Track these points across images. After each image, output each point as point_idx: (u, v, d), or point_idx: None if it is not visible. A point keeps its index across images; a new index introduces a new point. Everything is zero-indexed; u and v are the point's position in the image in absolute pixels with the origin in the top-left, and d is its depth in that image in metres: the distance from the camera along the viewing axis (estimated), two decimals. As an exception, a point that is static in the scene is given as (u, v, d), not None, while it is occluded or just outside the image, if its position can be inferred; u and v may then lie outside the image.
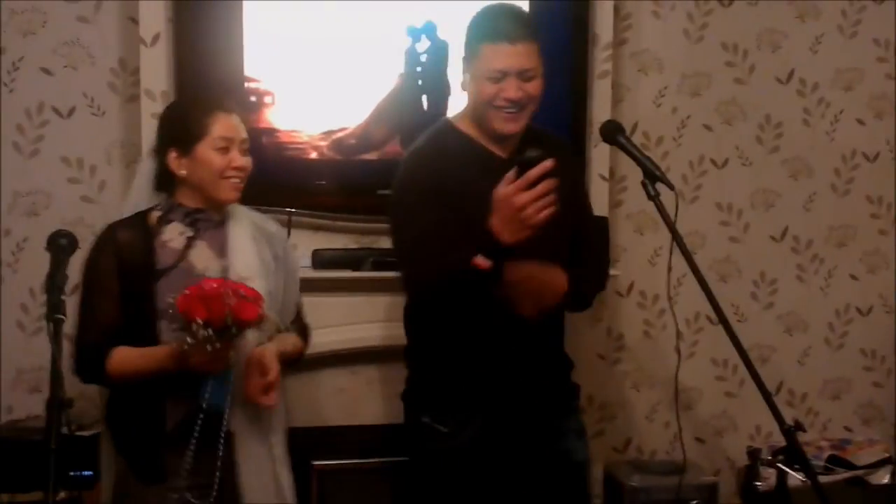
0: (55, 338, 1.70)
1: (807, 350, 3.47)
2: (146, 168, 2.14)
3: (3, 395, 2.88)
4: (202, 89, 2.73)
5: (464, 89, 2.19)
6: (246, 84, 2.79)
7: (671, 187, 2.05)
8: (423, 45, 2.86)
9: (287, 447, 2.17)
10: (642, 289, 3.29)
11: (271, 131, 2.83)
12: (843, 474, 3.13)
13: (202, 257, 2.08)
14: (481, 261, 1.97)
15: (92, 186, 2.90)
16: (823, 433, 3.44)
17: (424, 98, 2.90)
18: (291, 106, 2.83)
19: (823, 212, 3.43)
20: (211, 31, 2.75)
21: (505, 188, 1.94)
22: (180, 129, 2.08)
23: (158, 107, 2.58)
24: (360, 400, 2.91)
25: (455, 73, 2.87)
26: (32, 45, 2.83)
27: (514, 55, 2.08)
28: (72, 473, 2.55)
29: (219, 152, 2.06)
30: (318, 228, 2.96)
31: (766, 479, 2.84)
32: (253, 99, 2.80)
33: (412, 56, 2.87)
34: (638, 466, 3.13)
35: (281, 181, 2.84)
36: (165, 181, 2.12)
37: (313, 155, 2.87)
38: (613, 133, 2.14)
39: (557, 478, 2.25)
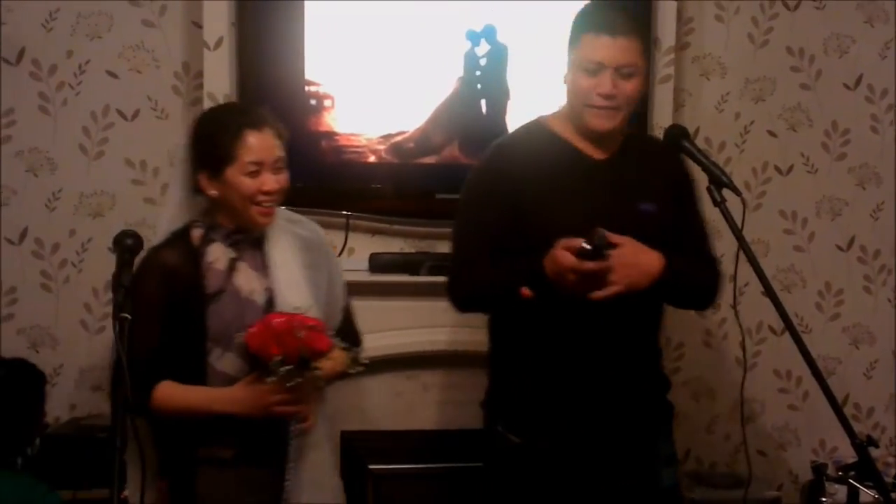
0: (120, 336, 1.71)
1: (873, 363, 3.36)
2: (180, 176, 2.07)
3: (66, 392, 2.93)
4: (264, 93, 2.75)
5: (564, 82, 2.10)
6: (306, 87, 2.81)
7: (738, 193, 1.98)
8: (483, 48, 2.86)
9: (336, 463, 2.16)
10: (703, 297, 3.22)
11: (330, 135, 2.84)
12: (912, 492, 3.04)
13: (247, 279, 2.02)
14: (526, 290, 1.97)
15: (154, 188, 2.93)
16: (891, 449, 3.33)
17: (483, 102, 2.89)
18: (351, 109, 2.84)
19: (892, 221, 3.32)
20: (273, 34, 2.78)
21: (566, 261, 1.91)
22: (209, 151, 2.00)
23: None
24: (417, 405, 2.90)
25: (514, 77, 2.87)
26: (98, 49, 2.88)
27: (613, 48, 2.00)
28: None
29: (249, 176, 1.97)
30: (375, 232, 2.96)
31: (832, 494, 2.77)
32: (313, 102, 2.82)
33: (471, 59, 2.86)
34: (699, 479, 3.07)
35: (339, 184, 2.87)
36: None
37: (372, 158, 2.87)
38: (678, 138, 2.09)
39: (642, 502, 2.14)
